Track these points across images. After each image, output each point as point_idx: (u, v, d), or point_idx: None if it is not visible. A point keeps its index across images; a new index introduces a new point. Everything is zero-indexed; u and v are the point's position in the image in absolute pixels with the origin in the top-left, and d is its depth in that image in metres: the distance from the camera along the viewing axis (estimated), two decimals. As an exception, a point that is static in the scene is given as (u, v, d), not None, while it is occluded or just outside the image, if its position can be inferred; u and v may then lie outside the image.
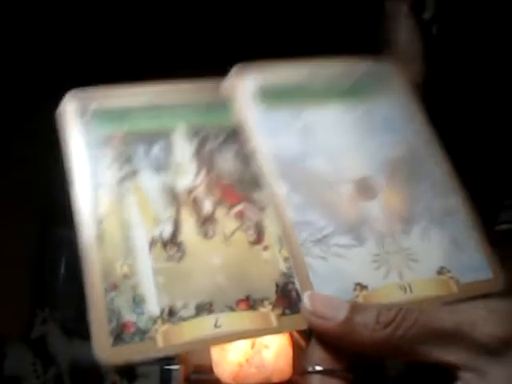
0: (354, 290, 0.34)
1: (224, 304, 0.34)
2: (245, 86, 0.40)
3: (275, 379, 0.64)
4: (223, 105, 0.40)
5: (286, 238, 0.35)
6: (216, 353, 0.96)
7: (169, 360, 1.09)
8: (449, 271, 0.35)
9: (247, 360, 0.88)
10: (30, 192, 1.24)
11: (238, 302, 0.34)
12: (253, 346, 0.89)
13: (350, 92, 0.41)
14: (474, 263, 0.36)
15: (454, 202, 0.38)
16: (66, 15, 1.06)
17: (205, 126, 0.39)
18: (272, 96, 0.40)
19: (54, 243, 1.27)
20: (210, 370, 1.07)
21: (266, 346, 0.82)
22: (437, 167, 0.39)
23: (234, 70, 0.41)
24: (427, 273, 0.35)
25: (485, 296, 0.34)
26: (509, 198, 0.64)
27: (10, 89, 1.12)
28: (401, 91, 0.42)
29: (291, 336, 0.77)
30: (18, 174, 1.19)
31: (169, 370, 1.08)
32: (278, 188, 0.37)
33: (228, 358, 0.91)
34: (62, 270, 1.27)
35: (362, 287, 0.35)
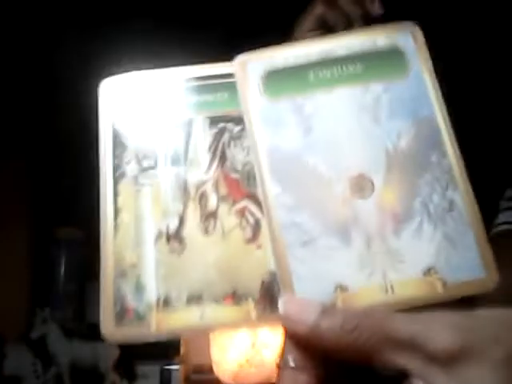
0: (335, 291, 0.35)
1: (212, 297, 0.36)
2: (248, 73, 0.40)
3: (275, 379, 0.64)
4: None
5: (272, 240, 0.36)
6: (216, 353, 0.96)
7: (169, 360, 1.09)
8: (436, 271, 0.35)
9: (247, 360, 0.88)
10: (30, 192, 1.24)
11: (225, 296, 0.36)
12: (253, 346, 0.89)
13: (362, 73, 0.40)
14: (467, 262, 0.35)
15: (454, 196, 0.37)
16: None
17: (226, 112, 0.40)
18: (276, 83, 0.39)
19: (54, 243, 1.28)
20: (210, 370, 1.07)
21: (266, 346, 0.82)
22: (443, 158, 0.38)
23: (237, 57, 0.40)
24: (412, 273, 0.35)
25: (472, 298, 0.34)
26: (507, 199, 0.64)
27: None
28: (419, 68, 0.40)
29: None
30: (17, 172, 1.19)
31: (169, 370, 1.08)
32: (270, 188, 0.37)
33: (228, 357, 0.91)
34: (62, 270, 1.27)
35: (343, 289, 0.35)
